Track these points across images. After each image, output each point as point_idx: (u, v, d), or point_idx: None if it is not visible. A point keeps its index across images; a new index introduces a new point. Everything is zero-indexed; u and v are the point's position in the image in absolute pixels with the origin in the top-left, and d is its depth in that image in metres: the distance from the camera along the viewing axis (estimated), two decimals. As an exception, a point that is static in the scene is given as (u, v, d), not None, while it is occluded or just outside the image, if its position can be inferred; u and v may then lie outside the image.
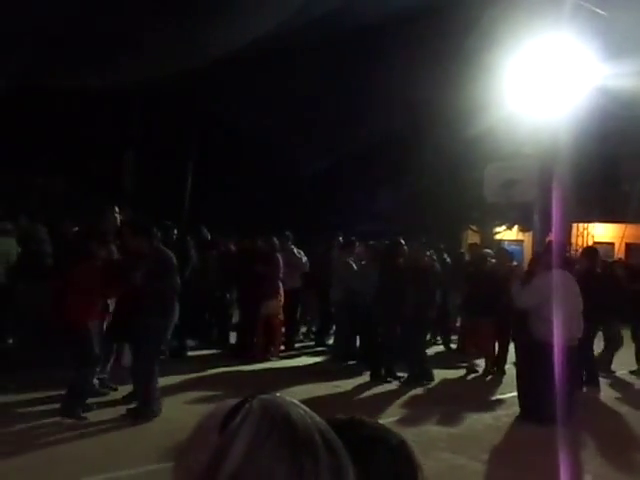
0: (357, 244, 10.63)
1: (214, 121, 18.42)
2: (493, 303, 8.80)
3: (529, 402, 7.08)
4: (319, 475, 0.75)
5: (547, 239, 12.27)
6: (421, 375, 8.52)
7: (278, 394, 0.83)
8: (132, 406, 6.38)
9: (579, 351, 8.35)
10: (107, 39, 10.76)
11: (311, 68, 15.18)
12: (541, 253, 8.23)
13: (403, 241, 9.00)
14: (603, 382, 8.95)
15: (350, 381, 8.53)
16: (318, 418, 0.82)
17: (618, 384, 9.24)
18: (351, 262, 9.93)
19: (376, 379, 8.47)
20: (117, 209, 8.22)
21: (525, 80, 12.65)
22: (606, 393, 8.61)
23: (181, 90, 16.55)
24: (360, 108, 16.69)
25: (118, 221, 7.95)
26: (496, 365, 9.24)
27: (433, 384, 8.53)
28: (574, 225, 21.09)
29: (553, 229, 11.27)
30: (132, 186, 19.42)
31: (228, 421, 0.77)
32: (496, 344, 9.35)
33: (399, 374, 8.57)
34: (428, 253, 9.62)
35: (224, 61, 12.84)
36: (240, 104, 17.00)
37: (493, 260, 9.77)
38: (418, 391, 8.14)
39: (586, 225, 23.01)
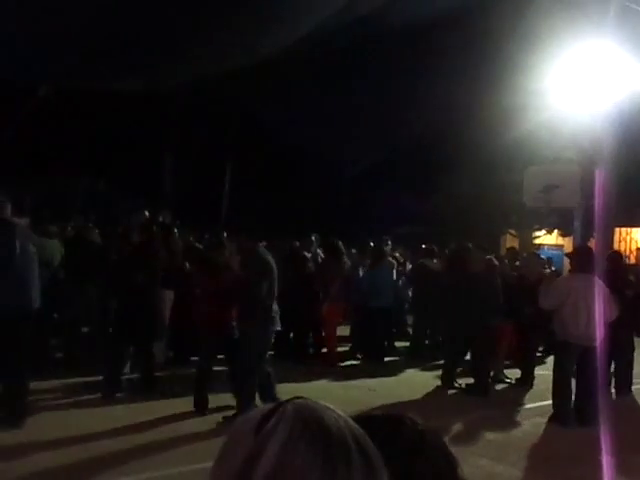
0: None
1: (252, 122, 18.56)
2: (513, 309, 8.72)
3: (556, 405, 7.15)
4: (351, 478, 0.76)
5: (588, 244, 12.06)
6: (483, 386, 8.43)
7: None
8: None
9: (617, 357, 8.37)
10: (150, 41, 10.91)
11: (353, 68, 15.19)
12: (570, 255, 8.16)
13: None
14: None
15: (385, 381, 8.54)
16: (352, 422, 0.82)
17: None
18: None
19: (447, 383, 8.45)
20: (147, 212, 8.44)
21: (567, 83, 12.45)
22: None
23: (219, 91, 16.71)
24: (401, 109, 16.62)
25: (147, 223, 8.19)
26: (523, 371, 9.10)
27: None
28: (617, 230, 20.65)
29: (595, 234, 11.06)
30: (171, 188, 19.69)
31: (263, 424, 0.78)
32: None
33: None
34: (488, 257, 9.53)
35: (264, 61, 12.91)
36: (279, 105, 17.09)
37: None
38: (453, 397, 8.06)
39: (629, 230, 22.52)
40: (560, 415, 7.10)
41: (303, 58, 14.18)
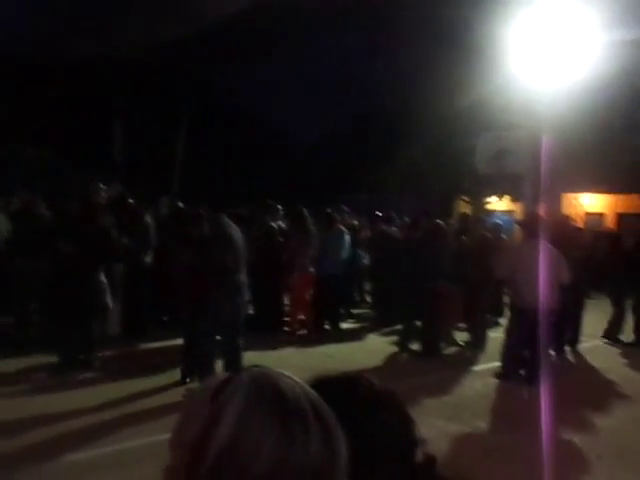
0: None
1: (205, 90, 18.23)
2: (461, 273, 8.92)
3: (508, 365, 7.43)
4: (309, 444, 0.77)
5: (537, 209, 12.34)
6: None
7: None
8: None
9: (567, 318, 8.72)
10: (99, 6, 10.56)
11: (308, 36, 15.02)
12: (520, 223, 8.41)
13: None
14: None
15: (342, 348, 8.65)
16: (308, 388, 0.83)
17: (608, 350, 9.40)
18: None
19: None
20: (102, 184, 8.19)
21: (521, 50, 12.57)
22: (594, 358, 8.77)
23: (170, 59, 16.33)
24: (356, 77, 16.55)
25: (103, 195, 7.92)
26: (474, 334, 9.35)
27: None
28: (565, 195, 21.14)
29: (546, 200, 11.33)
30: (121, 158, 19.26)
31: (219, 393, 0.79)
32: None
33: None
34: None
35: (215, 29, 12.65)
36: (233, 73, 16.82)
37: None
38: (404, 360, 8.21)
39: (577, 195, 23.07)
40: (509, 375, 7.38)
41: (255, 26, 13.95)
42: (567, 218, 10.47)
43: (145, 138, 17.92)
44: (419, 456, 1.05)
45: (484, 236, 9.48)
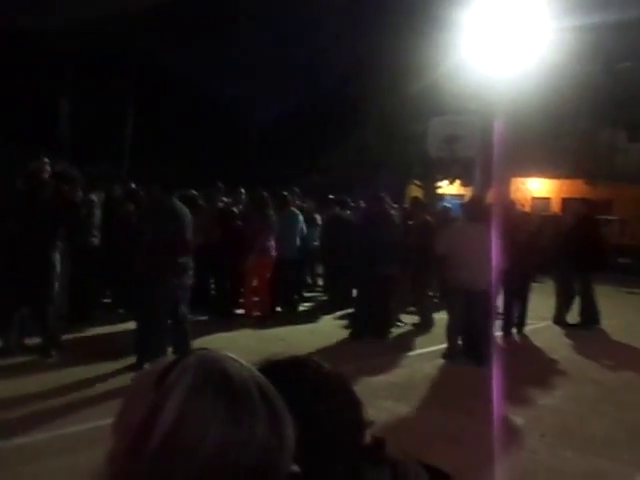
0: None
1: (156, 67, 17.85)
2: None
3: (451, 345, 7.67)
4: (255, 426, 0.76)
5: (486, 193, 12.56)
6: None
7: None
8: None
9: (512, 300, 9.00)
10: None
11: (264, 16, 14.84)
12: (463, 205, 8.64)
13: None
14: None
15: (291, 331, 8.67)
16: (256, 372, 0.83)
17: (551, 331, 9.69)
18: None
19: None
20: (47, 160, 7.90)
21: (473, 36, 12.70)
22: (540, 338, 9.03)
23: (120, 35, 15.91)
24: (308, 60, 16.47)
25: (48, 171, 7.63)
26: (421, 316, 9.52)
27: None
28: (513, 180, 21.59)
29: (495, 185, 11.54)
30: (68, 135, 18.74)
31: (164, 377, 0.77)
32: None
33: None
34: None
35: (168, 4, 12.38)
36: (186, 50, 16.51)
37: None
38: (354, 343, 8.27)
39: (524, 180, 23.59)
40: (452, 355, 7.59)
41: (209, 2, 13.70)
42: (514, 202, 10.70)
43: (93, 115, 17.47)
44: (367, 438, 1.05)
45: (426, 220, 9.61)
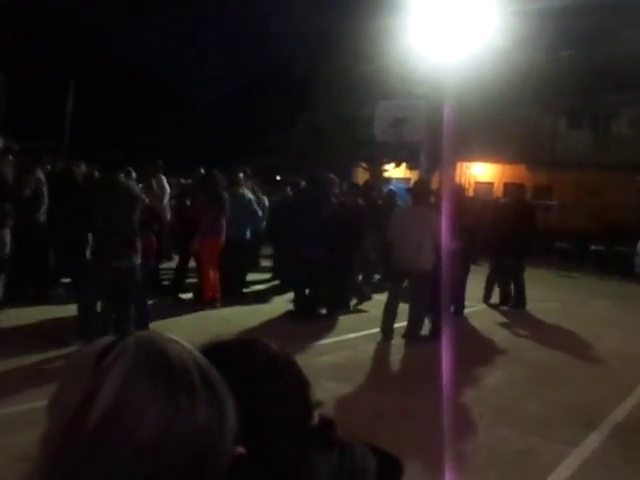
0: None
1: (98, 41, 17.33)
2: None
3: (383, 327, 7.85)
4: (195, 410, 0.75)
5: (434, 178, 12.75)
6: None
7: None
8: None
9: (454, 282, 9.21)
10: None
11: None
12: (409, 189, 8.85)
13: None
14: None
15: (240, 312, 8.64)
16: (197, 353, 0.82)
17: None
18: None
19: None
20: None
21: (421, 20, 12.78)
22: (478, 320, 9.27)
23: (60, 6, 15.36)
24: (257, 38, 16.27)
25: None
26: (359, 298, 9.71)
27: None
28: (458, 164, 21.95)
29: (442, 169, 11.72)
30: (5, 108, 18.05)
31: (102, 359, 0.76)
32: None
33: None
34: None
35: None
36: (131, 30, 16.08)
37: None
38: (299, 325, 8.31)
39: (469, 164, 24.02)
40: (385, 334, 7.75)
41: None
42: (462, 187, 10.90)
43: (32, 90, 16.87)
44: (315, 419, 1.05)
45: (357, 202, 9.66)
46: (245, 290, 10.26)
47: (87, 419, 0.72)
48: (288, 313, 8.86)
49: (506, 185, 21.64)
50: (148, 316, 6.92)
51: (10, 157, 8.38)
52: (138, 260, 6.49)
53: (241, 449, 0.81)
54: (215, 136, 19.79)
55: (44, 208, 8.22)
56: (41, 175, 8.38)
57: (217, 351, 0.95)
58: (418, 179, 10.15)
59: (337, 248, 8.76)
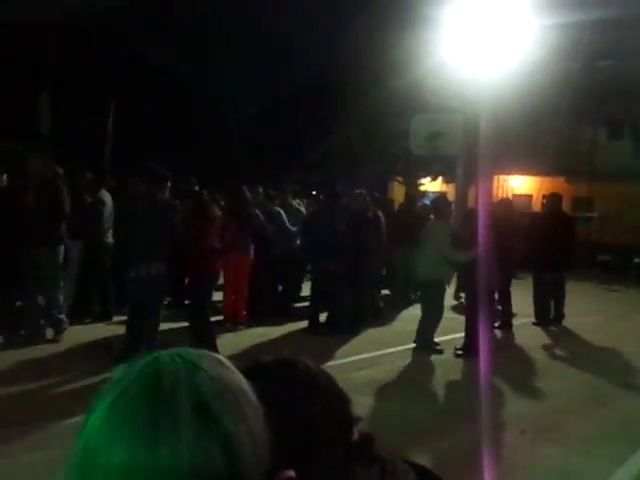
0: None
1: (137, 60, 17.70)
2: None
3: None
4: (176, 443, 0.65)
5: (470, 191, 12.65)
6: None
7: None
8: None
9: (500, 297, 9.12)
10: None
11: (247, 12, 14.79)
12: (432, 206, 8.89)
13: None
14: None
15: (278, 330, 8.65)
16: (228, 378, 0.72)
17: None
18: None
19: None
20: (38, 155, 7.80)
21: (456, 33, 12.73)
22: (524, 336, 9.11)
23: (101, 26, 15.75)
24: (291, 55, 16.44)
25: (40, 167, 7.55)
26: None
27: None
28: (495, 177, 21.73)
29: (480, 182, 11.59)
30: (49, 129, 18.52)
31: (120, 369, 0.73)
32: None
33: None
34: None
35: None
36: (166, 43, 16.40)
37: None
38: (336, 340, 8.26)
39: (506, 177, 23.74)
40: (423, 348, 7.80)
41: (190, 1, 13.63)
42: (508, 200, 10.76)
43: (74, 109, 17.30)
44: (355, 435, 1.04)
45: (367, 216, 9.57)
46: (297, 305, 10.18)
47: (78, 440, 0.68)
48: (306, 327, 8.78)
49: (545, 197, 21.34)
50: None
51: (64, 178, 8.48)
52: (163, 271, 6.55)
53: (290, 472, 0.77)
54: (249, 152, 19.96)
55: (108, 228, 8.36)
56: (106, 197, 8.51)
57: (258, 372, 0.94)
58: (437, 196, 10.18)
59: (354, 262, 8.67)
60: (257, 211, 8.98)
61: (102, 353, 6.70)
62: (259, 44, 15.81)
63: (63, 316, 7.27)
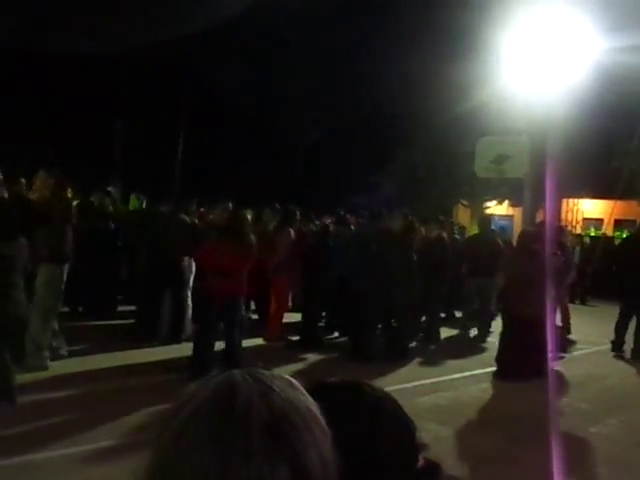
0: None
1: (206, 89, 18.23)
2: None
3: (508, 368, 7.63)
4: (249, 462, 0.68)
5: (538, 215, 12.39)
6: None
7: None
8: None
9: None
10: (102, 2, 10.57)
11: (308, 37, 15.07)
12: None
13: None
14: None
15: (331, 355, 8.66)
16: (296, 400, 0.75)
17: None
18: None
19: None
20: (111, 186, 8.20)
21: (519, 55, 12.58)
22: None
23: (172, 57, 16.33)
24: (354, 80, 16.60)
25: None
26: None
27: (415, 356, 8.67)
28: (564, 201, 21.19)
29: (546, 206, 11.33)
30: (121, 156, 19.25)
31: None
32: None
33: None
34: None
35: (216, 28, 12.71)
36: (233, 74, 16.85)
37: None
38: (400, 364, 8.19)
39: (576, 201, 23.12)
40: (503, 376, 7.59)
41: (256, 25, 13.99)
42: (559, 226, 10.51)
43: (145, 137, 17.92)
44: (421, 462, 1.05)
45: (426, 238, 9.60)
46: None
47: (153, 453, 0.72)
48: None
49: (617, 222, 20.63)
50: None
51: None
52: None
53: None
54: (314, 174, 20.17)
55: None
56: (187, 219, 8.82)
57: (324, 393, 0.92)
58: (521, 231, 9.77)
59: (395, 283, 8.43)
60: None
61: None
62: (324, 68, 16.02)
63: None
